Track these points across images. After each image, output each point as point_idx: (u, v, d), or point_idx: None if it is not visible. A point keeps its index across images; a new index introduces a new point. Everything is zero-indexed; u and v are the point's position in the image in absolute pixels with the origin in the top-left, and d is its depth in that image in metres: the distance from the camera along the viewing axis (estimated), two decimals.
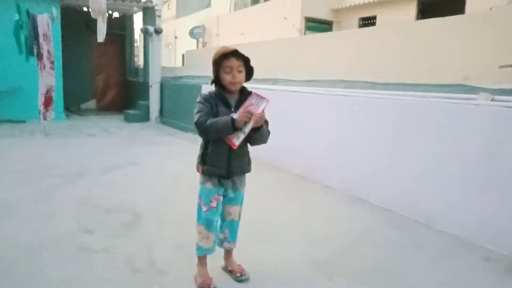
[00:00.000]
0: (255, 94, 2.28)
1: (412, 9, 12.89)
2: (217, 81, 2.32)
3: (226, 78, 2.25)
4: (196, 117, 2.23)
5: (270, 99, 2.27)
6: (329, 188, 4.56)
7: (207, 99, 2.29)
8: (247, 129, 2.18)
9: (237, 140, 2.20)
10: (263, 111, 2.19)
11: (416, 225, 3.52)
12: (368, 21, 14.44)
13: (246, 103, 2.24)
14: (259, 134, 2.27)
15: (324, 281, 2.51)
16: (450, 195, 3.38)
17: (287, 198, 4.23)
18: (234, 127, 2.15)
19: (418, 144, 3.66)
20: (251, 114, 2.16)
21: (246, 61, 2.31)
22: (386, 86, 4.59)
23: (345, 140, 4.47)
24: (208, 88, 2.52)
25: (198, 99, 2.32)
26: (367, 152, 4.18)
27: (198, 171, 2.39)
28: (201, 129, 2.20)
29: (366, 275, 2.60)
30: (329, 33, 10.68)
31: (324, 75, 5.39)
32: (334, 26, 15.87)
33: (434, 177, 3.50)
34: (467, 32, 4.15)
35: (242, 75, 2.30)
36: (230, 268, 2.54)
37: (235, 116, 2.17)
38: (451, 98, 3.57)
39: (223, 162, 2.30)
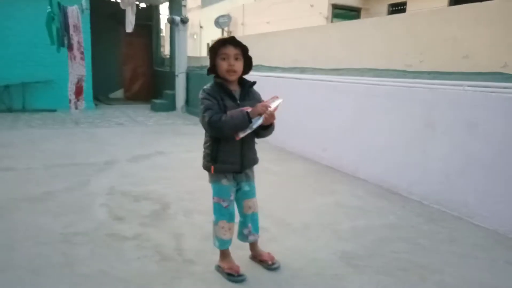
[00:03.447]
0: (275, 97, 2.24)
1: None
2: (213, 70, 2.26)
3: (223, 65, 2.20)
4: (206, 115, 2.13)
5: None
6: (358, 179, 4.48)
7: (212, 94, 2.20)
8: (255, 125, 2.14)
9: (242, 133, 2.16)
10: (275, 109, 2.15)
11: (450, 218, 3.41)
12: (397, 8, 14.03)
13: (265, 101, 2.21)
14: (268, 131, 2.25)
15: (355, 275, 2.46)
16: (486, 188, 3.24)
17: (316, 189, 4.18)
18: (250, 120, 2.12)
19: (452, 134, 3.52)
20: (267, 108, 2.13)
21: (244, 50, 2.25)
22: (418, 74, 4.43)
23: (375, 131, 4.36)
24: None
25: (202, 95, 2.22)
26: (398, 143, 4.07)
27: (209, 170, 2.32)
28: (217, 126, 2.11)
29: (398, 270, 2.53)
30: (357, 20, 10.43)
31: (353, 64, 5.26)
32: (362, 13, 15.51)
33: (469, 169, 3.37)
34: (505, 17, 3.94)
35: (240, 64, 2.24)
36: (260, 258, 2.53)
37: (248, 109, 2.14)
38: (488, 87, 3.41)
39: (237, 157, 2.27)
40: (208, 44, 20.81)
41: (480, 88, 3.43)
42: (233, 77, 2.25)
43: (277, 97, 2.23)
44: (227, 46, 2.20)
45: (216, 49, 2.21)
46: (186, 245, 2.78)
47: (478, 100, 3.34)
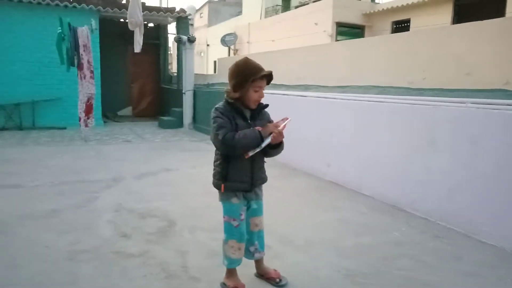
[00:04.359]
0: (285, 118, 2.31)
1: (448, 11, 12.53)
2: (237, 96, 2.28)
3: (254, 96, 2.27)
4: (220, 133, 2.18)
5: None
6: (362, 195, 4.48)
7: (224, 113, 2.25)
8: (264, 144, 2.21)
9: (252, 152, 2.21)
10: (283, 128, 2.22)
11: (455, 235, 3.39)
12: (401, 25, 14.15)
13: (276, 122, 2.29)
14: (277, 150, 2.31)
15: None
16: (490, 204, 3.23)
17: (319, 205, 4.18)
18: (262, 139, 2.18)
19: (455, 151, 3.53)
20: (277, 127, 2.21)
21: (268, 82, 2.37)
22: (421, 91, 4.47)
23: (378, 147, 4.38)
24: None
25: (215, 114, 2.26)
26: (402, 159, 4.08)
27: (219, 189, 2.35)
28: (231, 144, 2.16)
29: (403, 287, 2.53)
30: (361, 39, 10.56)
31: (357, 81, 5.32)
32: (366, 30, 15.67)
33: (473, 185, 3.37)
34: (507, 35, 3.99)
35: None
36: (267, 276, 2.54)
37: (259, 128, 2.21)
38: (491, 104, 3.44)
39: (247, 176, 2.32)
40: (215, 62, 21.01)
41: (483, 105, 3.46)
42: (256, 105, 2.33)
43: (287, 119, 2.30)
44: (264, 79, 2.28)
45: (254, 79, 2.23)
46: (191, 262, 2.79)
47: (481, 117, 3.35)
